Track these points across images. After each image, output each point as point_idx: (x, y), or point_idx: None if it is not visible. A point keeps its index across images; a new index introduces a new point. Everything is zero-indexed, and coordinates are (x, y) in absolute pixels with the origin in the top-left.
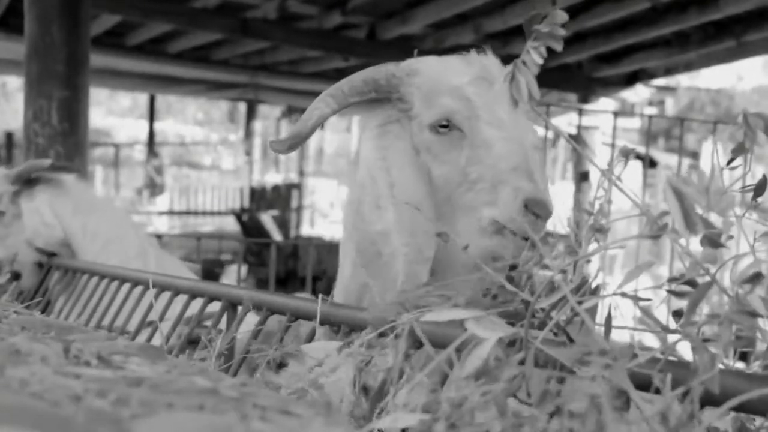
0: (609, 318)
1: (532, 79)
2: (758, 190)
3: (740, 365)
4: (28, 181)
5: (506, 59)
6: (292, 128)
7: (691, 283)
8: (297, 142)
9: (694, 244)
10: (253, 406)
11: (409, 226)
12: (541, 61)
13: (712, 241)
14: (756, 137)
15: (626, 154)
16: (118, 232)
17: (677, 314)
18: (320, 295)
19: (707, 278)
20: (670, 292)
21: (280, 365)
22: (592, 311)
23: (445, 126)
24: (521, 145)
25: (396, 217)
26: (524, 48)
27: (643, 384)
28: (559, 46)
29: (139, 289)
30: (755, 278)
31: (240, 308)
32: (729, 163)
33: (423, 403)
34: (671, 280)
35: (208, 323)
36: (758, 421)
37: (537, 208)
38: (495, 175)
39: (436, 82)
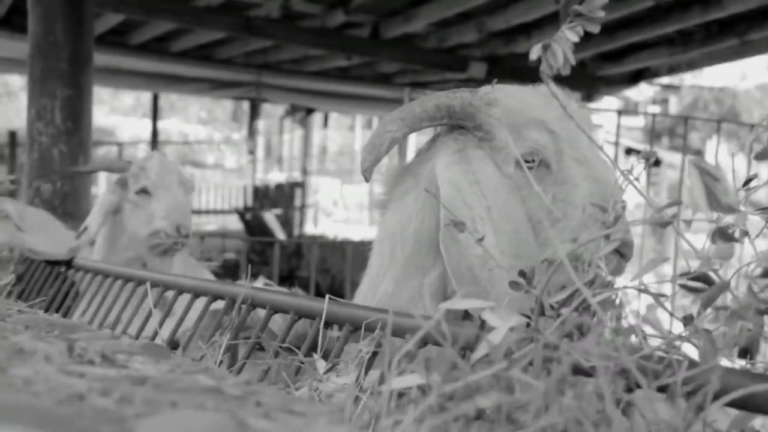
0: (618, 315)
1: (569, 50)
2: None
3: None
4: None
5: (509, 58)
6: (368, 154)
7: (703, 278)
8: (374, 166)
9: (698, 240)
10: (257, 404)
11: (511, 249)
12: (577, 40)
13: (725, 234)
14: None
15: (648, 157)
16: None
17: (687, 319)
18: (328, 296)
19: (718, 273)
20: (682, 286)
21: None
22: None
23: (530, 161)
24: (607, 184)
25: (496, 240)
26: (559, 29)
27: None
28: (596, 29)
29: (151, 290)
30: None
31: (243, 306)
32: (749, 181)
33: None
34: (683, 274)
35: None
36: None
37: (624, 249)
38: (582, 216)
39: (519, 114)
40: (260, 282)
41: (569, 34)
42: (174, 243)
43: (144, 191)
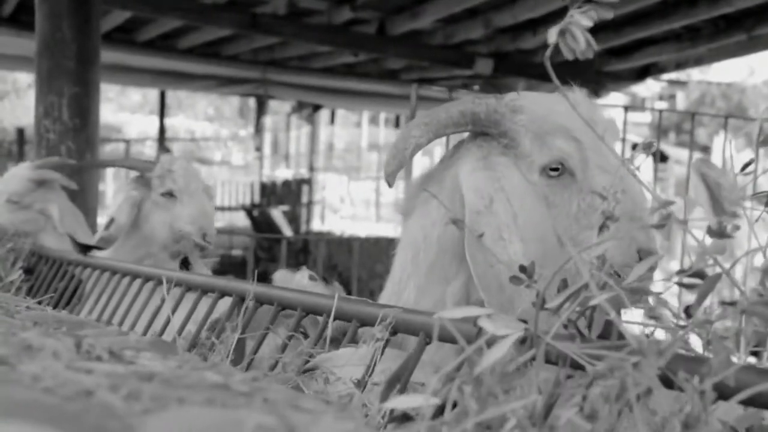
0: (617, 313)
1: (587, 32)
2: None
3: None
4: None
5: (515, 55)
6: (391, 158)
7: (700, 274)
8: (397, 171)
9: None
10: (264, 400)
11: (538, 258)
12: (591, 24)
13: (719, 231)
14: None
15: (647, 147)
16: None
17: (689, 309)
18: (337, 293)
19: (717, 270)
20: (679, 284)
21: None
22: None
23: (555, 169)
24: (633, 193)
25: (524, 249)
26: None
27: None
28: (609, 14)
29: (158, 287)
30: None
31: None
32: (745, 167)
33: (434, 389)
34: (680, 272)
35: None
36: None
37: (646, 257)
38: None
39: (544, 121)
40: (305, 274)
41: (582, 19)
42: (197, 247)
43: (170, 194)
